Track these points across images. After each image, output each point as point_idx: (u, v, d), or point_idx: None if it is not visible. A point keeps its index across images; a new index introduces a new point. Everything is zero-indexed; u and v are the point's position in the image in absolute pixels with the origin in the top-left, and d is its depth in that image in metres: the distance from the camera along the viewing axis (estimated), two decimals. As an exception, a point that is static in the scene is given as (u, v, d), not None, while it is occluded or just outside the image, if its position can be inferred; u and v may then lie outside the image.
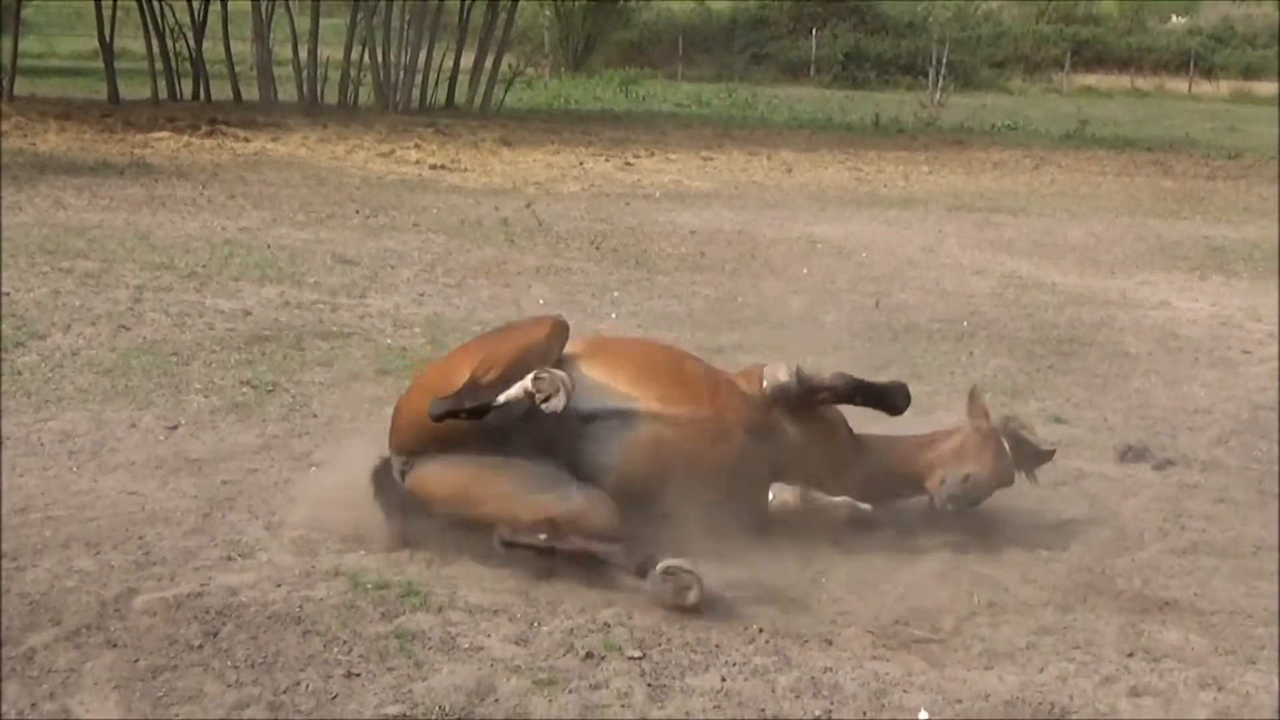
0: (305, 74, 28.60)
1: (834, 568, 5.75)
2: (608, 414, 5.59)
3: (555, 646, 4.98)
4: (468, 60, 30.70)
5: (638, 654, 4.96)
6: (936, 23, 46.59)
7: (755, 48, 53.13)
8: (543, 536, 5.33)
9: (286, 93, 28.80)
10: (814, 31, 52.75)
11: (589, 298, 11.44)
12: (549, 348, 5.67)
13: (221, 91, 28.88)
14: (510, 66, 32.78)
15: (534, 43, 46.96)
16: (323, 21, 29.36)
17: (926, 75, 41.14)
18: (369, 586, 5.36)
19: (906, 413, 6.24)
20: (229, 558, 5.65)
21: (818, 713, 4.59)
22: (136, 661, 4.71)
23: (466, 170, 20.44)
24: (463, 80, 30.39)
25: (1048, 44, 56.57)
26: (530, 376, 5.31)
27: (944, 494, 5.97)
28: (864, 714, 4.60)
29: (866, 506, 5.82)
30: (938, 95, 35.69)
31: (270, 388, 8.25)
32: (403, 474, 5.68)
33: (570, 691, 4.66)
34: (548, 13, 48.79)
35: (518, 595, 5.36)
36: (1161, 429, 8.35)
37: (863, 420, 6.24)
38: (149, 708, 4.43)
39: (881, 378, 6.65)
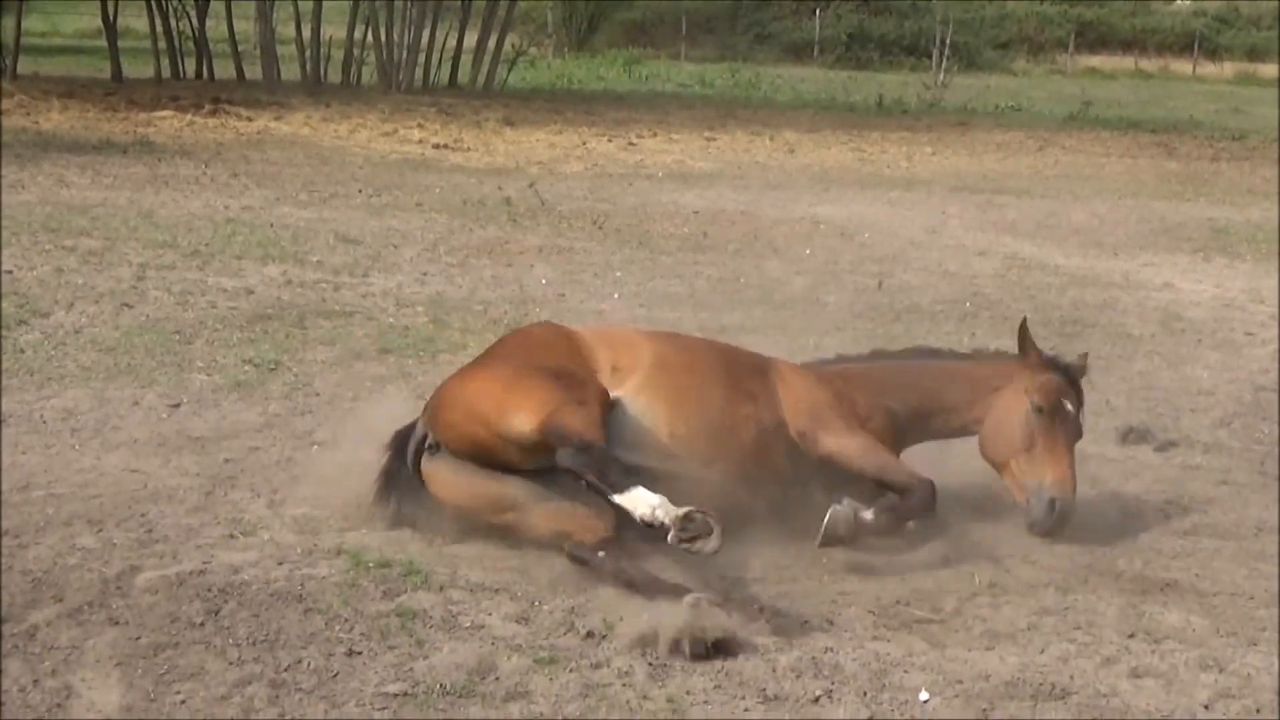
0: (308, 53, 28.55)
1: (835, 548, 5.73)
2: (648, 471, 5.37)
3: (556, 625, 4.99)
4: (471, 39, 30.63)
5: (638, 633, 4.95)
6: (940, 3, 46.39)
7: (759, 28, 52.99)
8: (601, 554, 5.27)
9: (290, 72, 28.75)
10: (817, 12, 52.61)
11: (592, 277, 11.43)
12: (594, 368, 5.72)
13: (225, 70, 28.86)
14: (513, 46, 32.73)
15: (537, 22, 46.87)
16: (326, 0, 29.29)
17: (930, 56, 40.90)
18: (370, 565, 5.37)
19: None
20: (231, 536, 5.67)
21: (818, 692, 4.60)
22: (138, 639, 4.72)
23: (469, 150, 20.43)
24: (466, 60, 30.34)
25: (1052, 25, 56.38)
26: (682, 513, 4.99)
27: (1034, 523, 5.96)
28: (864, 694, 4.60)
29: (912, 524, 5.76)
30: (941, 76, 35.54)
31: (273, 366, 8.26)
32: (421, 449, 5.68)
33: (571, 670, 4.66)
34: (551, -8, 48.72)
35: (519, 574, 5.37)
36: (1164, 410, 8.36)
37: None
38: (151, 685, 4.44)
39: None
